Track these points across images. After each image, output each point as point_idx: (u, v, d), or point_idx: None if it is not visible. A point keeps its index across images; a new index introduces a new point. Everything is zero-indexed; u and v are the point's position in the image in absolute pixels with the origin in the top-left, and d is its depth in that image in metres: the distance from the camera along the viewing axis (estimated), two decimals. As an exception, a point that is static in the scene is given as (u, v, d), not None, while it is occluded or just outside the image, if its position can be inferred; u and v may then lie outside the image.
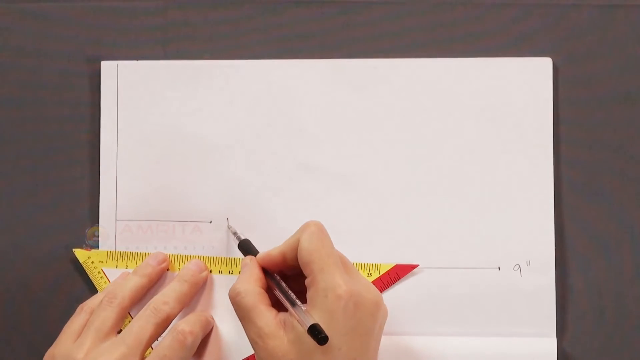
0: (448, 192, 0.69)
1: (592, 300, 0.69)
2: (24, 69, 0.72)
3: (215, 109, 0.71)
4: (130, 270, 0.70)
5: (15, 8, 0.72)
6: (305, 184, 0.70)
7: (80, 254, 0.70)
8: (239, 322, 0.62)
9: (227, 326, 0.68)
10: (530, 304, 0.68)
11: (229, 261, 0.69)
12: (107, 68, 0.71)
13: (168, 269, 0.70)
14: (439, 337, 0.68)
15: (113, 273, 0.70)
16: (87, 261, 0.70)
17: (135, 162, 0.71)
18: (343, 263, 0.62)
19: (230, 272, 0.69)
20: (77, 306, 0.67)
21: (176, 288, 0.67)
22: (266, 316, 0.61)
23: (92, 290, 0.70)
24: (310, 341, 0.58)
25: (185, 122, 0.71)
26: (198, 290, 0.69)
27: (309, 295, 0.60)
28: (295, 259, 0.62)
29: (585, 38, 0.70)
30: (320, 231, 0.62)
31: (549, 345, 0.67)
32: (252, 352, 0.62)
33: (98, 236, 0.71)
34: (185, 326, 0.65)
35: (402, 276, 0.69)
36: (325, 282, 0.59)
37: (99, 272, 0.70)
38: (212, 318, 0.68)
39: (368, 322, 0.60)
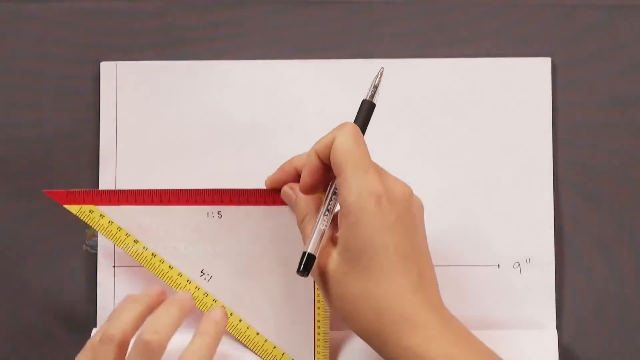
0: (448, 191, 0.70)
1: (592, 298, 0.69)
2: (24, 70, 0.72)
3: (214, 109, 0.71)
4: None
5: (15, 9, 0.72)
6: (305, 183, 0.70)
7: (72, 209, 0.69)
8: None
9: None
10: (529, 302, 0.69)
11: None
12: (107, 68, 0.71)
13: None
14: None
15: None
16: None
17: (134, 162, 0.71)
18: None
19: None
20: (77, 306, 0.67)
21: (166, 310, 0.63)
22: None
23: (93, 290, 0.70)
24: (352, 254, 0.58)
25: (184, 122, 0.71)
26: (189, 308, 0.64)
27: (341, 196, 0.59)
28: (328, 158, 0.61)
29: (584, 39, 0.70)
30: (356, 131, 0.61)
31: (549, 342, 0.68)
32: None
33: (98, 236, 0.71)
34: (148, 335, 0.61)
35: None
36: (358, 181, 0.59)
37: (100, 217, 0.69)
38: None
39: (406, 216, 0.59)
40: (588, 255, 0.70)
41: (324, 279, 0.61)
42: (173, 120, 0.71)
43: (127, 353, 0.61)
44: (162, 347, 0.61)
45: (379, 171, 0.61)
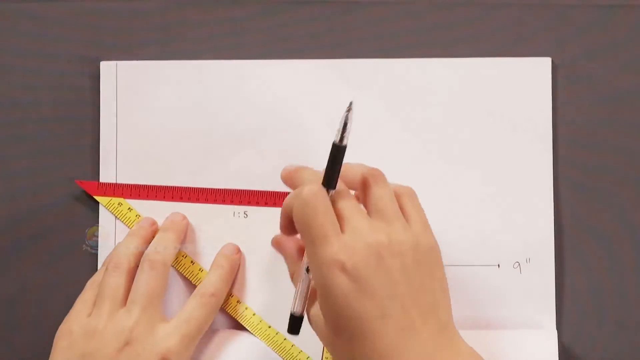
0: (448, 191, 0.70)
1: (592, 298, 0.69)
2: (24, 69, 0.72)
3: (214, 109, 0.71)
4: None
5: (15, 8, 0.72)
6: (305, 183, 0.70)
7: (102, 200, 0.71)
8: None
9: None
10: (529, 302, 0.69)
11: None
12: (107, 68, 0.71)
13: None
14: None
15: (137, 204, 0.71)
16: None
17: (134, 162, 0.71)
18: (341, 216, 0.58)
19: None
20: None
21: (163, 235, 0.69)
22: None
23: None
24: (327, 320, 0.57)
25: (184, 121, 0.71)
26: (184, 229, 0.70)
27: (309, 265, 0.59)
28: None
29: (584, 38, 0.71)
30: (312, 198, 0.57)
31: (549, 342, 0.68)
32: None
33: (98, 236, 0.71)
34: (209, 287, 0.67)
35: None
36: (317, 255, 0.56)
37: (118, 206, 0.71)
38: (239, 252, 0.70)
39: (377, 274, 0.56)
40: (588, 256, 0.70)
41: (309, 322, 0.60)
42: (173, 120, 0.71)
43: (136, 274, 0.66)
44: (166, 264, 0.67)
45: (349, 223, 0.57)
